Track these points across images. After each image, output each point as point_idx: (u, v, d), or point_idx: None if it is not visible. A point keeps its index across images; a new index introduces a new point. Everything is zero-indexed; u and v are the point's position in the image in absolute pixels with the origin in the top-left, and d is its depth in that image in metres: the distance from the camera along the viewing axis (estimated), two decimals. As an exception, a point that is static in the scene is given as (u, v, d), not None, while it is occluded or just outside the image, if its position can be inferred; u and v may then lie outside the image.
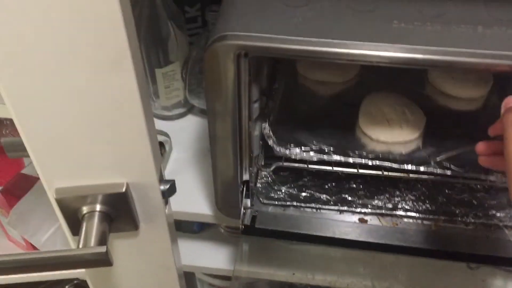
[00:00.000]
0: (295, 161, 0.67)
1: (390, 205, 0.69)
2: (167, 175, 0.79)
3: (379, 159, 0.64)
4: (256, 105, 0.63)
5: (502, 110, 0.52)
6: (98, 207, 0.54)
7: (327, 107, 0.74)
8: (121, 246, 0.61)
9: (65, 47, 0.42)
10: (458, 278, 0.78)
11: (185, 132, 0.86)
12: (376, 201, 0.70)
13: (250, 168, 0.66)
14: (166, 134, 0.82)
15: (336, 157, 0.65)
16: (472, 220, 0.66)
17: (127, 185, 0.54)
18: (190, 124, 0.87)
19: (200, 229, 0.90)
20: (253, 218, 0.68)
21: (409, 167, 0.63)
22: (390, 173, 0.66)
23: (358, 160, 0.64)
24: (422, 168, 0.63)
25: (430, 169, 0.63)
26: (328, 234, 0.67)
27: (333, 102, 0.76)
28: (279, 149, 0.65)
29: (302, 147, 0.66)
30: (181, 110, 0.88)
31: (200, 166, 0.80)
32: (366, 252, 0.68)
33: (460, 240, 0.66)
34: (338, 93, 0.77)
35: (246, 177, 0.66)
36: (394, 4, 0.54)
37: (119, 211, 0.56)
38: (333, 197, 0.70)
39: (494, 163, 0.54)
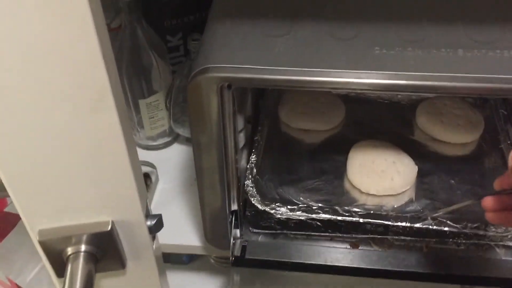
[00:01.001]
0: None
1: (381, 229, 0.68)
2: (154, 206, 0.79)
3: (370, 217, 0.63)
4: (241, 135, 0.63)
5: (510, 163, 0.48)
6: (83, 247, 0.53)
7: (313, 158, 0.72)
8: (108, 286, 0.60)
9: (45, 87, 0.41)
10: (452, 299, 0.78)
11: (171, 161, 0.85)
12: (367, 225, 0.69)
13: (239, 197, 0.65)
14: (151, 165, 0.81)
15: (325, 216, 0.63)
16: (464, 241, 0.66)
17: (113, 223, 0.53)
18: (176, 153, 0.86)
19: (189, 260, 0.89)
20: (243, 248, 0.67)
21: (403, 224, 0.62)
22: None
23: (348, 219, 0.63)
24: (417, 225, 0.62)
25: (426, 226, 0.62)
26: (320, 261, 0.66)
27: (318, 151, 0.73)
28: (264, 209, 0.63)
29: (288, 206, 0.64)
30: (166, 139, 0.87)
31: (187, 195, 0.79)
32: (359, 278, 0.67)
33: (452, 261, 0.65)
34: (324, 142, 0.75)
35: (234, 207, 0.65)
36: (375, 31, 0.54)
37: (105, 250, 0.54)
38: (324, 223, 0.69)
39: (506, 219, 0.51)
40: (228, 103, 0.53)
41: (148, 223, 0.57)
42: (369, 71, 0.50)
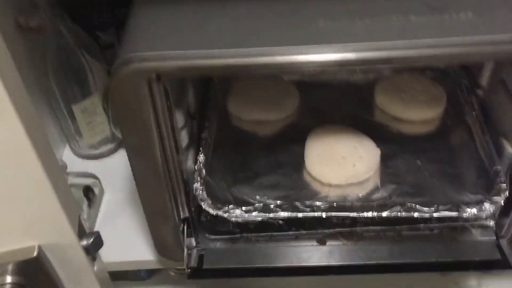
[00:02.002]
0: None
1: (348, 221, 0.63)
2: (100, 221, 0.72)
3: (334, 210, 0.57)
4: (183, 132, 0.56)
5: None
6: (8, 278, 0.47)
7: (268, 151, 0.65)
8: (46, 319, 0.52)
9: None
10: (431, 286, 0.74)
11: (116, 170, 0.77)
12: (333, 218, 0.63)
13: (189, 203, 0.58)
14: (94, 176, 0.73)
15: (284, 214, 0.57)
16: (437, 224, 0.61)
17: (39, 248, 0.46)
18: (121, 161, 0.79)
19: (149, 275, 0.82)
20: (200, 258, 0.61)
21: (370, 214, 0.56)
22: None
23: (309, 215, 0.57)
24: (385, 214, 0.56)
25: (394, 214, 0.56)
26: (286, 263, 0.60)
27: (273, 143, 0.67)
28: (216, 213, 0.57)
29: (243, 207, 0.58)
30: (109, 146, 0.79)
31: (137, 206, 0.71)
32: (330, 276, 0.62)
33: (426, 247, 0.60)
34: (278, 133, 0.68)
35: (185, 214, 0.58)
36: (318, 2, 0.49)
37: (36, 279, 0.48)
38: (287, 221, 0.63)
39: None
40: (160, 97, 0.47)
41: (84, 243, 0.50)
42: (315, 46, 0.44)
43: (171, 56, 0.44)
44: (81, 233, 0.50)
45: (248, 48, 0.44)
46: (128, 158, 0.51)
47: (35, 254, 0.46)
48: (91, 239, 0.50)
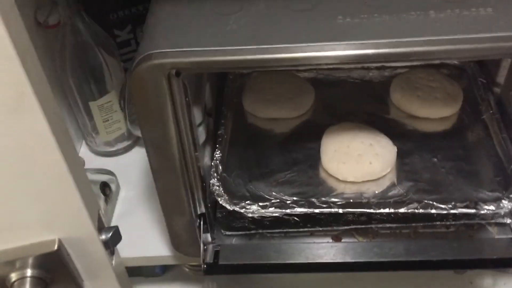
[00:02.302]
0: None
1: (364, 218, 0.63)
2: (117, 217, 0.72)
3: (350, 206, 0.57)
4: (201, 129, 0.56)
5: None
6: (29, 272, 0.48)
7: (284, 148, 0.66)
8: (64, 312, 0.53)
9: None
10: (445, 285, 0.73)
11: (132, 167, 0.78)
12: (348, 215, 0.63)
13: (206, 199, 0.58)
14: (110, 173, 0.74)
15: (301, 210, 0.57)
16: (453, 222, 0.61)
17: (60, 241, 0.47)
18: (137, 158, 0.79)
19: (163, 272, 0.82)
20: (216, 254, 0.61)
21: (387, 210, 0.56)
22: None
23: (326, 211, 0.57)
24: (402, 210, 0.56)
25: (411, 210, 0.56)
26: (300, 259, 0.60)
27: (289, 141, 0.67)
28: (233, 208, 0.57)
29: (260, 203, 0.58)
30: (125, 144, 0.80)
31: (152, 202, 0.72)
32: (346, 273, 0.62)
33: (443, 245, 0.60)
34: (294, 130, 0.68)
35: (201, 209, 0.58)
36: (336, -1, 0.49)
37: (55, 273, 0.49)
38: (302, 218, 0.63)
39: None
40: (179, 93, 0.47)
41: (103, 237, 0.51)
42: (334, 43, 0.44)
43: (190, 53, 0.45)
44: (100, 228, 0.51)
45: (266, 45, 0.44)
46: (147, 153, 0.51)
47: (55, 247, 0.46)
48: (110, 234, 0.51)
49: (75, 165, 0.45)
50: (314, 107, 0.71)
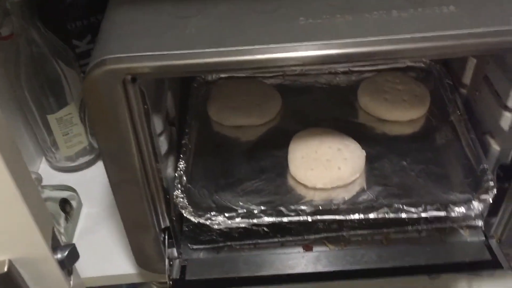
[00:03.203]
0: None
1: (334, 225, 0.61)
2: (79, 235, 0.69)
3: (319, 213, 0.55)
4: (162, 138, 0.54)
5: None
6: None
7: (251, 156, 0.64)
8: (18, 339, 0.49)
9: None
10: (420, 291, 0.72)
11: (95, 182, 0.74)
12: (319, 224, 0.61)
13: (170, 212, 0.56)
14: (71, 189, 0.70)
15: (268, 220, 0.55)
16: (425, 227, 0.60)
17: (10, 262, 0.44)
18: (100, 172, 0.76)
19: (131, 290, 0.79)
20: (183, 269, 0.58)
21: (356, 216, 0.54)
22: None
23: (295, 219, 0.55)
24: (372, 216, 0.54)
25: (381, 215, 0.55)
26: (271, 271, 0.58)
27: (256, 149, 0.65)
28: (198, 220, 0.55)
29: (226, 214, 0.55)
30: (87, 158, 0.77)
31: (116, 219, 0.68)
32: (317, 283, 0.60)
33: (415, 250, 0.59)
34: (261, 138, 0.66)
35: (165, 223, 0.55)
36: (298, 0, 0.47)
37: None
38: (271, 228, 0.61)
39: None
40: (136, 100, 0.45)
41: (58, 256, 0.47)
42: (296, 44, 0.43)
43: (146, 57, 0.42)
44: (55, 246, 0.47)
45: (226, 48, 0.43)
46: (104, 164, 0.49)
47: (5, 269, 0.43)
48: (66, 252, 0.48)
49: (25, 181, 0.42)
50: (281, 114, 0.69)
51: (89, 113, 0.45)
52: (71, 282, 0.51)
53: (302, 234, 0.61)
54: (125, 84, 0.43)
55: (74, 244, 0.49)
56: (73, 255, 0.49)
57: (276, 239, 0.60)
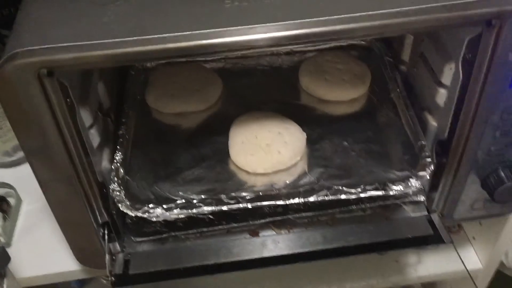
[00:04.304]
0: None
1: (279, 209, 0.61)
2: (19, 233, 0.66)
3: (259, 200, 0.54)
4: (93, 131, 0.52)
5: None
6: None
7: (191, 144, 0.62)
8: None
9: None
10: (369, 266, 0.73)
11: (34, 177, 0.71)
12: (264, 209, 0.61)
13: (108, 206, 0.54)
14: (8, 186, 0.67)
15: (208, 209, 0.54)
16: (368, 205, 0.60)
17: None
18: (40, 167, 0.73)
19: (80, 286, 0.77)
20: (126, 263, 0.57)
21: (296, 200, 0.54)
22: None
23: (234, 207, 0.54)
24: (312, 199, 0.54)
25: (321, 198, 0.54)
26: (216, 260, 0.57)
27: (197, 136, 0.63)
28: (135, 214, 0.53)
29: (164, 205, 0.54)
30: (25, 153, 0.73)
31: (58, 214, 0.67)
32: (264, 268, 0.59)
33: (359, 229, 0.59)
34: (202, 124, 0.65)
35: (103, 218, 0.54)
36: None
37: None
38: (216, 215, 0.60)
39: None
40: (56, 95, 0.43)
41: (-14, 260, 0.45)
42: (221, 29, 0.41)
43: (61, 49, 0.40)
44: (-18, 250, 0.45)
45: (147, 36, 0.41)
46: (29, 163, 0.46)
47: None
48: (-5, 256, 0.46)
49: None
50: (222, 99, 0.67)
51: (5, 111, 0.42)
52: (5, 286, 0.49)
53: (247, 219, 0.60)
54: (41, 79, 0.41)
55: (3, 247, 0.48)
56: (3, 258, 0.47)
57: (221, 226, 0.59)
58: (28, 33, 0.42)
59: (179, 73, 0.68)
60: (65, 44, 0.40)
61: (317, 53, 0.71)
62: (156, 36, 0.41)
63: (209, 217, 0.60)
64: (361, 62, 0.69)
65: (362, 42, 0.73)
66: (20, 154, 0.73)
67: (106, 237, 0.55)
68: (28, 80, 0.40)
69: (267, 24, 0.41)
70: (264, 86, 0.69)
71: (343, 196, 0.53)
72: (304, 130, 0.61)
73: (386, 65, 0.68)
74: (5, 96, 0.41)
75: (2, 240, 0.63)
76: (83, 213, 0.51)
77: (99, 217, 0.53)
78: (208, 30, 0.41)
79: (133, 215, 0.53)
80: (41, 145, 0.44)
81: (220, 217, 0.59)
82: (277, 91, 0.68)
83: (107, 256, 0.55)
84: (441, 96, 0.54)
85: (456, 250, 0.60)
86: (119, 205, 0.53)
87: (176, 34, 0.41)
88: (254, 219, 0.60)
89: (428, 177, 0.55)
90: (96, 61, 0.41)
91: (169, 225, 0.59)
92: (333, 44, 0.73)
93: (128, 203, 0.53)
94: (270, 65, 0.72)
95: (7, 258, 0.47)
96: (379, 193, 0.53)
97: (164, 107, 0.65)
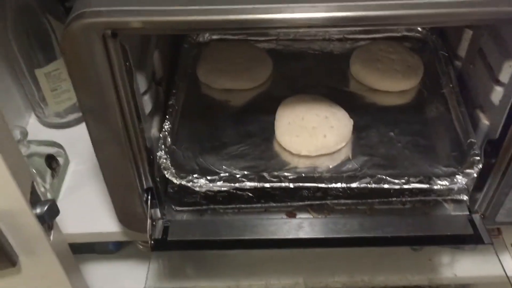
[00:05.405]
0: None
1: (319, 193, 0.61)
2: (65, 192, 0.69)
3: (302, 181, 0.55)
4: (146, 98, 0.53)
5: None
6: None
7: (238, 120, 0.63)
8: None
9: None
10: (402, 262, 0.72)
11: (83, 140, 0.72)
12: (304, 191, 0.61)
13: (153, 172, 0.55)
14: (58, 145, 0.70)
15: (250, 184, 0.54)
16: (409, 199, 0.59)
17: None
18: (89, 130, 0.76)
19: (117, 249, 0.79)
20: (165, 230, 0.58)
21: (339, 185, 0.54)
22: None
23: (276, 185, 0.54)
24: (354, 185, 0.54)
25: (363, 185, 0.54)
26: (252, 236, 0.58)
27: (244, 113, 0.64)
28: (180, 182, 0.54)
29: (208, 177, 0.55)
30: (76, 115, 0.76)
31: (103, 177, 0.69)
32: (299, 250, 0.60)
33: (398, 222, 0.59)
34: (249, 102, 0.65)
35: (148, 183, 0.55)
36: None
37: None
38: (255, 193, 0.61)
39: None
40: (117, 57, 0.44)
41: (37, 211, 0.48)
42: (283, 5, 0.41)
43: (126, 12, 0.41)
44: (35, 201, 0.47)
45: (210, 6, 0.41)
46: (85, 122, 0.48)
47: (-18, 221, 0.44)
48: (46, 207, 0.48)
49: (2, 135, 0.41)
50: (271, 79, 0.68)
51: (68, 68, 0.44)
52: (51, 237, 0.51)
53: (285, 200, 0.60)
54: (105, 39, 0.42)
55: (54, 200, 0.50)
56: (53, 210, 0.49)
57: (259, 205, 0.60)
58: (96, -5, 0.43)
59: (231, 50, 0.69)
60: (131, 8, 0.41)
61: (370, 41, 0.71)
62: (219, 7, 0.42)
63: (248, 194, 0.61)
64: (414, 54, 0.68)
65: (417, 34, 0.72)
66: (71, 116, 0.76)
67: (149, 202, 0.56)
68: (93, 39, 0.42)
69: (327, 4, 0.41)
70: (313, 70, 0.69)
71: (386, 186, 0.53)
72: (350, 117, 0.61)
73: (440, 59, 0.67)
74: (69, 53, 0.43)
75: (49, 196, 0.65)
76: (130, 176, 0.53)
77: (144, 182, 0.55)
78: (270, 5, 0.42)
79: (177, 183, 0.54)
80: (98, 105, 0.46)
81: (259, 195, 0.60)
82: (326, 76, 0.68)
83: (148, 221, 0.56)
84: (497, 94, 0.53)
85: (496, 252, 0.59)
86: (165, 172, 0.54)
87: (238, 6, 0.42)
88: (292, 200, 0.60)
89: (475, 175, 0.54)
90: (160, 27, 0.42)
91: (209, 198, 0.61)
92: (386, 34, 0.72)
93: (173, 171, 0.54)
94: (321, 50, 0.72)
95: (56, 211, 0.49)
96: (424, 186, 0.53)
97: (214, 82, 0.66)
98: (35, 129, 0.76)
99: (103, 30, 0.41)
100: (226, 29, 0.44)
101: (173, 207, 0.61)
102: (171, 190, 0.62)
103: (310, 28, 0.42)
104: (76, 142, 0.74)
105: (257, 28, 0.44)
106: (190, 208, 0.60)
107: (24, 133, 0.64)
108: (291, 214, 0.61)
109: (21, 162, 0.46)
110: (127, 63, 0.46)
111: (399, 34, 0.72)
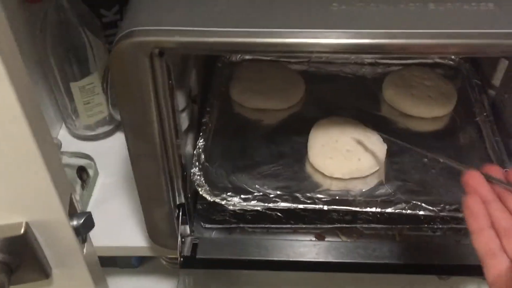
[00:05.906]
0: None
1: (348, 217, 0.61)
2: (93, 204, 0.70)
3: (335, 203, 0.55)
4: (184, 115, 0.54)
5: None
6: None
7: (270, 140, 0.63)
8: (30, 300, 0.50)
9: None
10: (428, 289, 0.72)
11: (112, 152, 0.75)
12: (333, 214, 0.61)
13: (186, 189, 0.56)
14: (89, 157, 0.71)
15: (284, 205, 0.55)
16: (440, 226, 0.59)
17: (27, 225, 0.44)
18: (118, 143, 0.77)
19: (139, 263, 0.80)
20: (194, 247, 0.58)
21: (373, 209, 0.54)
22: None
23: (310, 207, 0.55)
24: (389, 210, 0.54)
25: (398, 210, 0.54)
26: (282, 257, 0.58)
27: (276, 133, 0.64)
28: (214, 200, 0.55)
29: (242, 196, 0.55)
30: (106, 128, 0.77)
31: (131, 191, 0.69)
32: (327, 273, 0.59)
33: (428, 249, 0.58)
34: (282, 122, 0.66)
35: (181, 199, 0.56)
36: (332, -15, 0.46)
37: (21, 258, 0.46)
38: (285, 213, 0.61)
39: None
40: (162, 75, 0.45)
41: (74, 223, 0.48)
42: (327, 30, 0.42)
43: (174, 32, 0.42)
44: (72, 213, 0.48)
45: (255, 29, 0.42)
46: (125, 136, 0.49)
47: (22, 231, 0.44)
48: (82, 219, 0.48)
49: (47, 145, 0.42)
50: (304, 100, 0.68)
51: (114, 84, 0.45)
52: (85, 250, 0.51)
53: (315, 222, 0.60)
54: (152, 58, 0.43)
55: (90, 212, 0.50)
56: (89, 223, 0.49)
57: (288, 225, 0.60)
58: (143, 13, 0.44)
59: (264, 71, 0.70)
60: (178, 28, 0.42)
61: (402, 67, 0.71)
62: (263, 30, 0.42)
63: (278, 214, 0.61)
64: (448, 81, 0.68)
65: (450, 61, 0.72)
66: (101, 129, 0.77)
67: (180, 218, 0.57)
68: (141, 57, 0.42)
69: (370, 30, 0.42)
70: (345, 93, 0.69)
71: (421, 212, 0.53)
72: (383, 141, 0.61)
73: (473, 87, 0.67)
74: (117, 70, 0.43)
75: (79, 208, 0.66)
76: (164, 192, 0.53)
77: (177, 198, 0.55)
78: (312, 30, 0.42)
79: (211, 200, 0.54)
80: (140, 121, 0.47)
81: (288, 215, 0.60)
82: (358, 99, 0.68)
83: (179, 237, 0.57)
84: (534, 125, 0.53)
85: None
86: (199, 189, 0.55)
87: (282, 30, 0.42)
88: (322, 223, 0.60)
89: (510, 205, 0.53)
90: (206, 47, 0.43)
91: (238, 216, 0.61)
92: (418, 60, 0.72)
93: (207, 188, 0.55)
94: (353, 74, 0.72)
95: (92, 224, 0.49)
96: (459, 214, 0.52)
97: (247, 101, 0.67)
98: (65, 140, 0.77)
99: (151, 49, 0.42)
100: (274, 52, 0.45)
101: (202, 224, 0.61)
102: (200, 207, 0.62)
103: (352, 54, 0.42)
104: (105, 155, 0.75)
105: (299, 52, 0.45)
106: (219, 226, 0.61)
107: (58, 145, 0.65)
108: (320, 237, 0.61)
109: (62, 173, 0.46)
110: (170, 81, 0.46)
111: (431, 61, 0.72)
